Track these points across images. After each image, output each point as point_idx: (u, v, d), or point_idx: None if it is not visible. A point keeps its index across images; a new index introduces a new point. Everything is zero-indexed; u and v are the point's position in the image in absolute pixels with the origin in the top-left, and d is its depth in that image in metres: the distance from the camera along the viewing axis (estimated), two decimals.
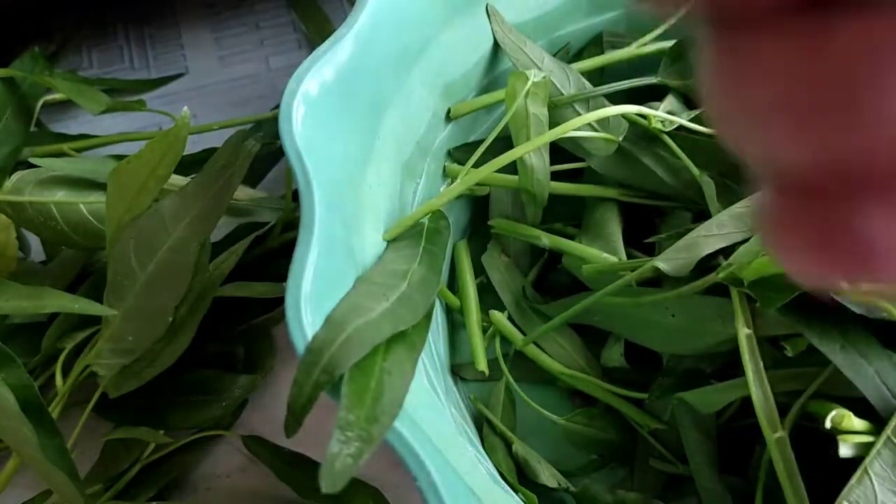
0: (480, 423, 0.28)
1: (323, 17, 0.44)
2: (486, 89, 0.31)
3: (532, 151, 0.26)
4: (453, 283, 0.31)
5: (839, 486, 0.20)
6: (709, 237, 0.23)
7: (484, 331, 0.28)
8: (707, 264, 0.23)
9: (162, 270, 0.27)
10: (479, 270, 0.30)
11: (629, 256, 0.27)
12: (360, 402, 0.17)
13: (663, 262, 0.23)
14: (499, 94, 0.30)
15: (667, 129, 0.27)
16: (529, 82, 0.26)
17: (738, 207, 0.24)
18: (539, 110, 0.26)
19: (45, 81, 0.38)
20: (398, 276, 0.21)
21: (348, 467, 0.16)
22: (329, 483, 0.15)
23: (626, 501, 0.25)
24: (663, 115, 0.26)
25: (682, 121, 0.26)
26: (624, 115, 0.27)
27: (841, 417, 0.21)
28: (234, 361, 0.31)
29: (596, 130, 0.27)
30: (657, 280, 0.25)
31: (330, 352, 0.17)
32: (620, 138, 0.27)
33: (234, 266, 0.30)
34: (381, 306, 0.19)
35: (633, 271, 0.24)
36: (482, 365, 0.27)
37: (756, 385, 0.21)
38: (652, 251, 0.27)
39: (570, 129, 0.24)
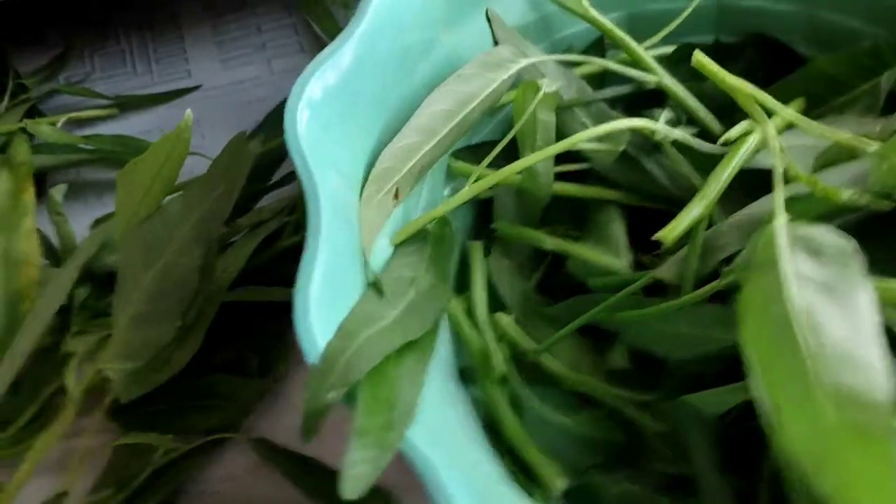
0: (487, 425, 0.28)
1: (330, 17, 0.44)
2: None
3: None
4: (458, 287, 0.31)
5: None
6: (711, 248, 0.24)
7: None
8: (710, 272, 0.23)
9: (168, 273, 0.28)
10: None
11: (633, 259, 0.27)
12: (376, 409, 0.17)
13: (665, 273, 0.23)
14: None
15: (668, 140, 0.27)
16: (540, 93, 0.26)
17: (739, 216, 0.24)
18: (547, 117, 0.27)
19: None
20: (405, 283, 0.22)
21: (368, 474, 0.16)
22: (350, 489, 0.16)
23: (631, 493, 0.25)
24: (666, 128, 0.26)
25: (685, 136, 0.26)
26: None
27: None
28: (248, 366, 0.31)
29: (599, 139, 0.27)
30: (661, 285, 0.25)
31: (343, 360, 0.17)
32: (622, 147, 0.27)
33: (248, 269, 0.30)
34: (391, 315, 0.20)
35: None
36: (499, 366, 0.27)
37: (759, 387, 0.21)
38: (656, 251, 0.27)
39: (577, 142, 0.24)
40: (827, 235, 0.20)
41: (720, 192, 0.24)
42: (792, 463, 0.18)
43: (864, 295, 0.18)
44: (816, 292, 0.19)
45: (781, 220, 0.20)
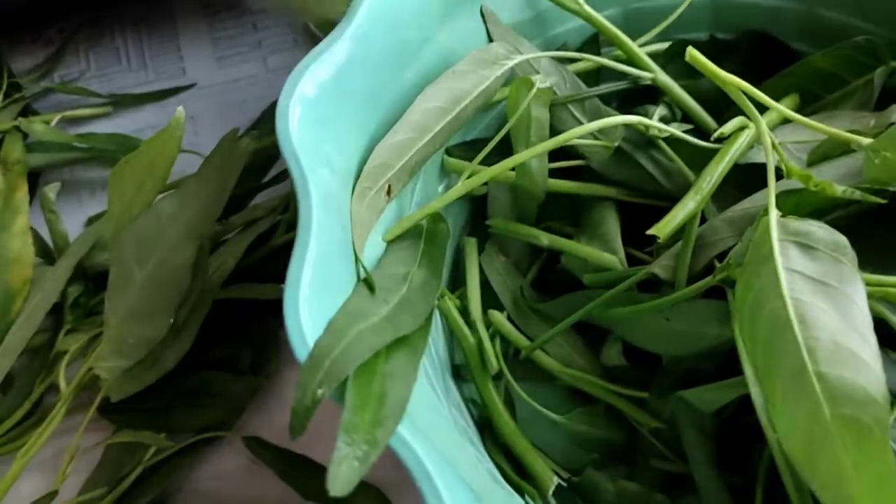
0: (481, 422, 0.28)
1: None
2: None
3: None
4: (452, 284, 0.31)
5: None
6: (704, 243, 0.24)
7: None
8: (703, 267, 0.23)
9: (160, 271, 0.27)
10: None
11: (628, 256, 0.27)
12: (365, 405, 0.17)
13: (659, 269, 0.23)
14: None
15: (662, 136, 0.27)
16: (534, 89, 0.26)
17: (732, 212, 0.24)
18: (541, 113, 0.27)
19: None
20: (398, 279, 0.21)
21: (355, 470, 0.16)
22: (337, 486, 0.16)
23: (627, 491, 0.25)
24: (660, 124, 0.26)
25: (678, 132, 0.26)
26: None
27: None
28: (241, 364, 0.31)
29: (594, 136, 0.27)
30: (655, 281, 0.25)
31: (332, 357, 0.17)
32: (616, 143, 0.27)
33: (241, 267, 0.30)
34: (382, 311, 0.19)
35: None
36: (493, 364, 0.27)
37: (755, 383, 0.21)
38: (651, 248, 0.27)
39: (571, 138, 0.24)
40: (819, 230, 0.20)
41: (714, 186, 0.24)
42: (786, 457, 0.18)
43: (857, 290, 0.18)
44: (810, 287, 0.19)
45: (774, 216, 0.20)
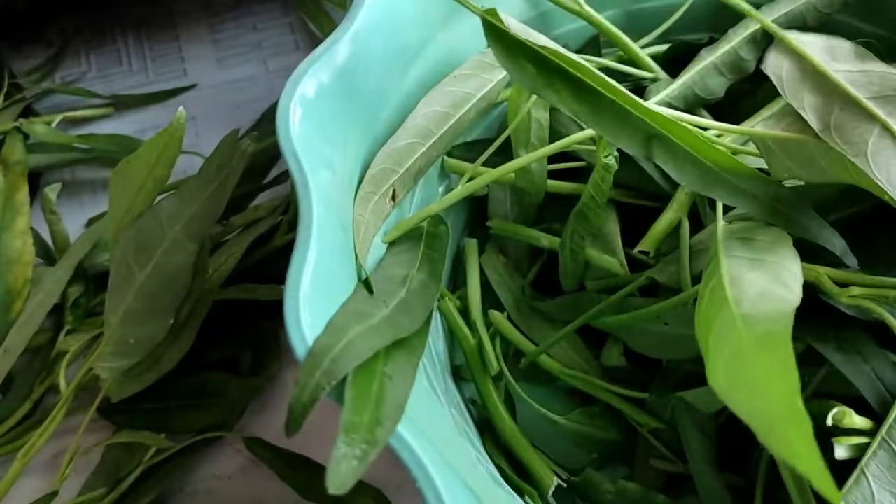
0: (481, 423, 0.28)
1: (326, 16, 0.44)
2: None
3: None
4: (452, 284, 0.31)
5: (840, 484, 0.20)
6: (703, 248, 0.24)
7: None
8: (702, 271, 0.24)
9: (160, 272, 0.27)
10: None
11: (627, 257, 0.27)
12: (364, 405, 0.17)
13: (660, 274, 0.24)
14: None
15: None
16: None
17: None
18: (541, 115, 0.27)
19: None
20: (397, 281, 0.21)
21: (354, 469, 0.16)
22: (336, 484, 0.16)
23: (626, 490, 0.25)
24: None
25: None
26: None
27: (842, 415, 0.21)
28: (241, 365, 0.31)
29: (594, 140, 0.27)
30: (655, 286, 0.25)
31: (331, 355, 0.17)
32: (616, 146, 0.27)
33: (241, 268, 0.30)
34: (381, 313, 0.19)
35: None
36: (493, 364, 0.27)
37: None
38: None
39: (571, 143, 0.24)
40: (759, 229, 0.21)
41: (692, 195, 0.25)
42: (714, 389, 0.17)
43: (790, 259, 0.19)
44: (745, 265, 0.20)
45: (721, 224, 0.21)
